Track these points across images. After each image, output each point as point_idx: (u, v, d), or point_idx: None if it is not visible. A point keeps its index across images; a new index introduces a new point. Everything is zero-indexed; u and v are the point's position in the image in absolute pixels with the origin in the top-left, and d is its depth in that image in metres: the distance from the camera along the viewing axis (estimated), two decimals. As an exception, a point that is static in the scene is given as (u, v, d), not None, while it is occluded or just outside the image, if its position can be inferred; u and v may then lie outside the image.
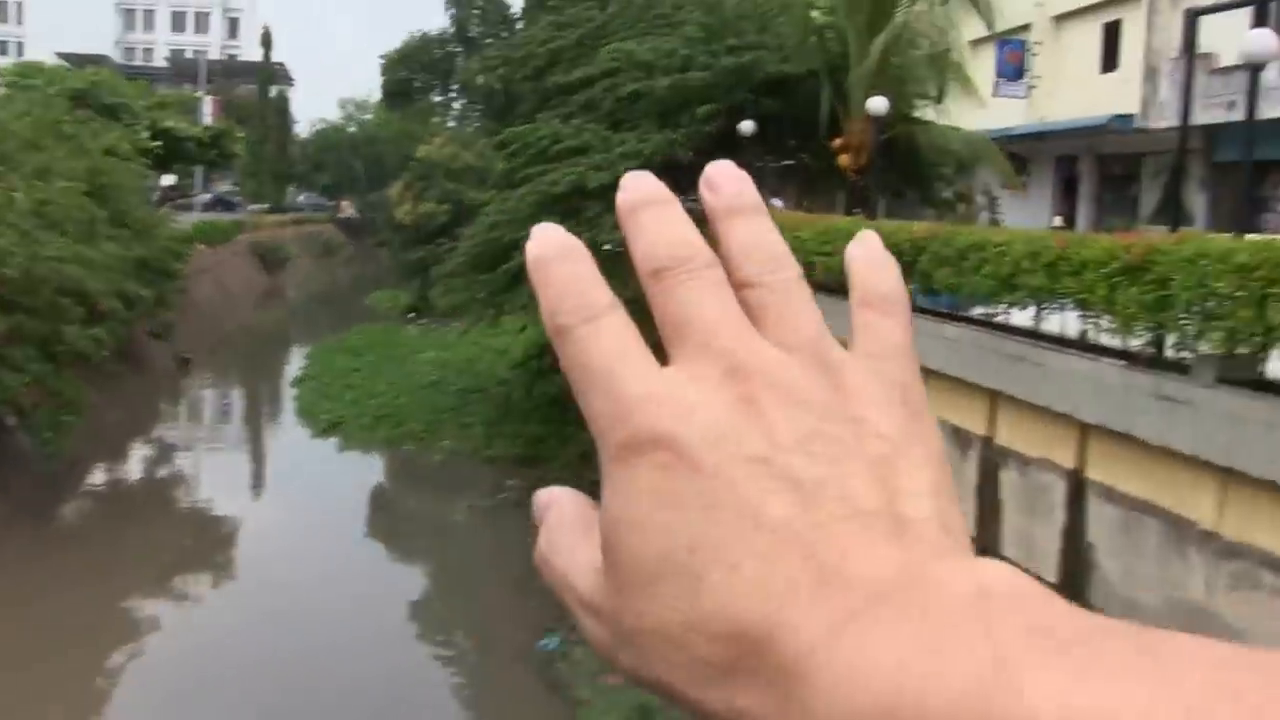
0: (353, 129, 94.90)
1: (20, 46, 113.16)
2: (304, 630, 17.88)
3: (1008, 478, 13.25)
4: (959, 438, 14.31)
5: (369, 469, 27.98)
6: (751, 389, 0.48)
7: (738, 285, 0.51)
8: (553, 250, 0.51)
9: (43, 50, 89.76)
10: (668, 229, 0.51)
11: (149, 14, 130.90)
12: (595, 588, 0.49)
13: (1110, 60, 33.80)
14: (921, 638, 0.39)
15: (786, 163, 28.29)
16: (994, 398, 13.53)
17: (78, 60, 75.60)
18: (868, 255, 0.55)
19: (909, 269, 14.83)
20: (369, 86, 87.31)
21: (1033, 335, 12.63)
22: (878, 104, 20.00)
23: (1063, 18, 35.79)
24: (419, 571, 22.12)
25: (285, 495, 26.15)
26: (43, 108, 36.00)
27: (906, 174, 25.72)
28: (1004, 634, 0.38)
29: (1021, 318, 13.19)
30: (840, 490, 0.46)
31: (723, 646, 0.45)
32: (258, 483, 28.19)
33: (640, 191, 0.52)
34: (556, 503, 0.53)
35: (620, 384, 0.48)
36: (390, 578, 21.35)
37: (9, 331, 20.02)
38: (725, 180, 0.53)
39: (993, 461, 13.53)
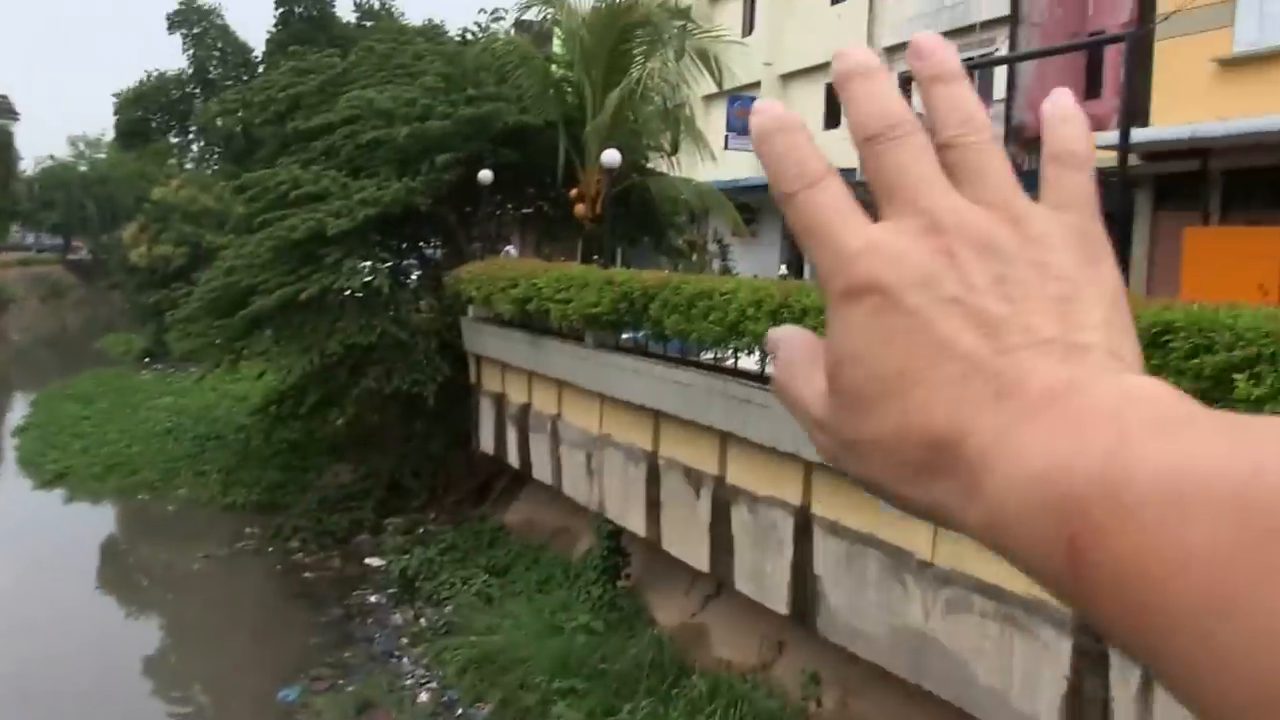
0: (84, 168, 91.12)
1: None
2: (27, 692, 16.85)
3: (739, 515, 13.53)
4: (691, 478, 14.58)
5: (100, 520, 26.79)
6: (949, 241, 0.56)
7: (939, 146, 0.58)
8: (772, 124, 0.58)
9: None
10: (877, 99, 0.58)
11: None
12: (823, 408, 0.58)
13: (834, 118, 35.20)
14: (1071, 428, 0.48)
15: (526, 211, 28.41)
16: (724, 439, 13.82)
17: None
18: (1059, 113, 0.62)
19: (641, 315, 15.07)
20: (102, 125, 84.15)
21: (759, 379, 12.94)
22: (611, 156, 20.30)
23: (790, 76, 37.23)
24: (154, 624, 21.25)
25: (6, 551, 24.13)
26: None
27: (641, 223, 26.14)
28: (1132, 421, 0.47)
29: (749, 362, 13.50)
30: (1023, 324, 0.54)
31: (923, 451, 0.54)
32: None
33: (850, 61, 0.60)
34: (787, 340, 0.62)
35: (839, 240, 0.56)
36: (124, 631, 20.46)
37: None
38: (931, 49, 0.60)
39: (724, 500, 13.82)
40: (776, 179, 0.58)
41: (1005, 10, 27.83)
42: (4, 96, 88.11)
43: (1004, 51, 27.50)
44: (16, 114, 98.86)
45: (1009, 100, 27.14)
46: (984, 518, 0.51)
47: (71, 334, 65.19)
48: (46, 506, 27.19)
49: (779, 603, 12.80)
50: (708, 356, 14.51)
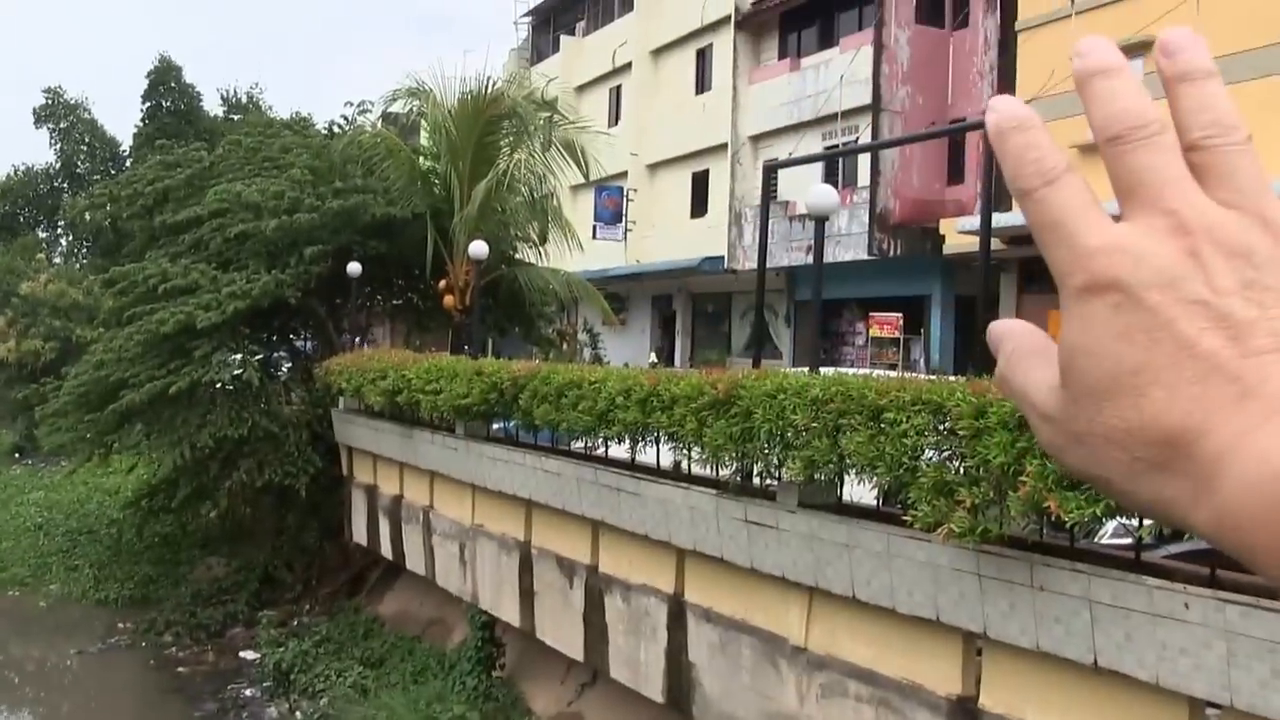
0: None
1: None
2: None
3: (612, 603, 13.11)
4: (564, 566, 14.14)
5: (-34, 617, 25.56)
6: (1194, 242, 0.55)
7: (1186, 148, 0.57)
8: (1009, 121, 0.59)
9: None
10: (1122, 97, 0.57)
11: None
12: (1051, 401, 0.58)
13: (700, 206, 35.40)
14: None
15: (396, 302, 27.96)
16: (596, 527, 13.43)
17: None
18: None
19: (511, 405, 14.69)
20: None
21: (630, 467, 12.61)
22: (478, 248, 19.96)
23: (656, 166, 37.34)
24: (27, 722, 20.27)
25: None
26: None
27: (510, 313, 25.84)
28: None
29: (619, 450, 13.18)
30: (1269, 329, 0.53)
31: (1156, 449, 0.53)
32: None
33: (1092, 59, 0.59)
34: (1012, 334, 0.63)
35: (1079, 236, 0.56)
36: (-6, 731, 19.52)
37: None
38: (1179, 46, 0.58)
39: (598, 588, 13.39)
40: (1014, 176, 0.58)
41: (866, 99, 28.18)
42: None
43: (867, 139, 27.79)
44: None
45: (873, 186, 27.47)
46: (1214, 517, 0.51)
47: (-62, 430, 62.64)
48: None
49: (654, 690, 12.37)
50: (578, 445, 14.15)
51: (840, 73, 29.52)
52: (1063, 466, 0.59)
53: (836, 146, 29.19)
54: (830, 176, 28.15)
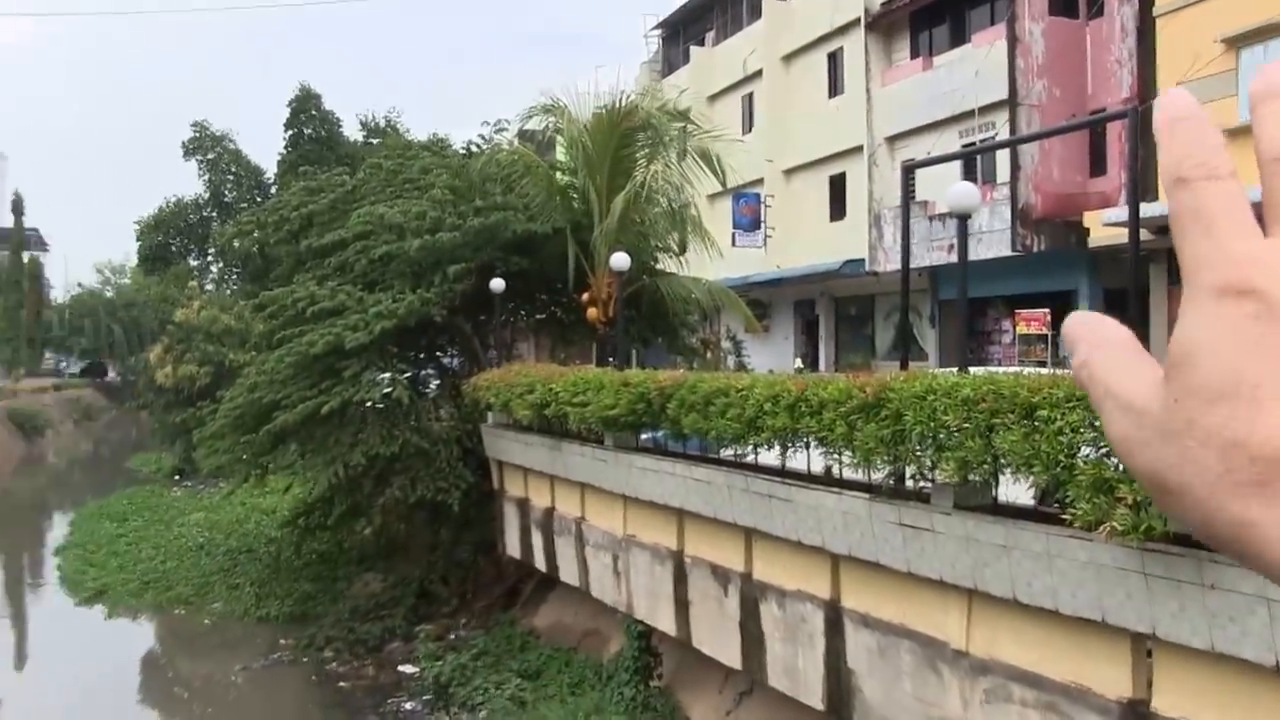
0: (110, 293, 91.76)
1: None
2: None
3: (768, 610, 13.15)
4: (718, 575, 14.21)
5: (138, 635, 26.59)
6: None
7: None
8: (1181, 111, 0.59)
9: None
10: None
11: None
12: (1143, 391, 0.58)
13: (839, 209, 35.20)
14: None
15: (539, 316, 28.30)
16: (749, 534, 13.47)
17: None
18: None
19: (659, 415, 14.80)
20: (125, 251, 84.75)
21: (780, 473, 12.63)
22: (619, 260, 20.11)
23: (792, 171, 37.24)
24: (194, 740, 20.96)
25: (50, 667, 24.46)
26: None
27: (653, 324, 25.99)
28: None
29: (769, 457, 13.20)
30: None
31: (1261, 466, 0.52)
32: (20, 655, 26.33)
33: (1262, 84, 0.59)
34: (1093, 324, 0.62)
35: (1226, 237, 0.56)
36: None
37: None
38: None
39: (752, 596, 13.44)
40: (1176, 164, 0.57)
41: (1002, 95, 27.78)
42: (35, 229, 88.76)
43: (1004, 135, 27.40)
44: (47, 246, 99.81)
45: (1013, 182, 27.06)
46: None
47: (104, 455, 65.15)
48: (88, 623, 26.92)
49: (814, 698, 12.37)
50: (728, 453, 14.21)
51: (974, 69, 29.17)
52: (1131, 464, 0.58)
53: (974, 144, 28.81)
54: (969, 174, 27.83)
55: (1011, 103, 27.15)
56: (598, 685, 17.73)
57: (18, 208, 79.28)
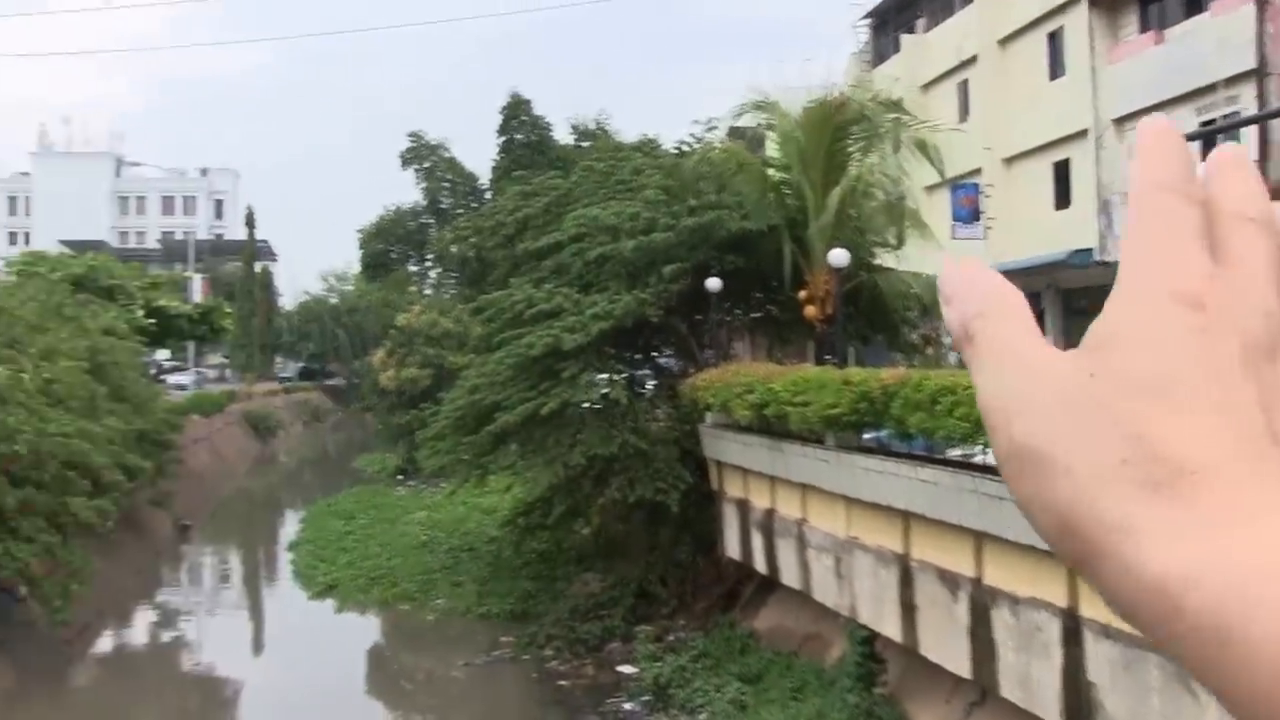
0: (334, 300, 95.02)
1: (27, 236, 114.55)
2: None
3: (1000, 617, 12.64)
4: (946, 579, 13.74)
5: (365, 629, 27.36)
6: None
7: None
8: (1157, 133, 0.58)
9: (46, 239, 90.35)
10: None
11: (141, 200, 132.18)
12: (1049, 356, 0.56)
13: (1063, 197, 33.84)
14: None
15: (755, 315, 28.05)
16: (979, 538, 12.98)
17: (78, 246, 76.09)
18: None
19: (882, 414, 14.42)
20: (348, 259, 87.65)
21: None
22: (838, 256, 19.74)
23: (1012, 159, 35.92)
24: (419, 732, 21.47)
25: (284, 656, 25.58)
26: (47, 293, 36.29)
27: (872, 321, 25.48)
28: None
29: (1000, 458, 12.68)
30: None
31: (1162, 468, 0.52)
32: (258, 645, 27.59)
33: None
34: (986, 276, 0.60)
35: (1196, 253, 0.55)
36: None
37: (19, 504, 19.90)
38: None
39: (983, 602, 12.94)
40: (1154, 180, 0.57)
41: (1247, 65, 26.13)
42: (265, 241, 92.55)
43: (1251, 110, 25.83)
44: (275, 256, 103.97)
45: (1262, 160, 25.35)
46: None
47: (331, 454, 67.56)
48: (318, 616, 27.85)
49: (1051, 711, 11.82)
50: (955, 453, 13.73)
51: (1215, 39, 27.56)
52: (1009, 431, 0.52)
53: (1214, 121, 27.26)
54: (1210, 152, 26.30)
55: (1260, 73, 25.56)
56: (820, 690, 17.38)
57: (249, 221, 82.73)
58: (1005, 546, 12.32)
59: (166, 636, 27.55)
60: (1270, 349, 0.53)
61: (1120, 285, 0.56)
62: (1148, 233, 0.56)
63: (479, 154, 56.85)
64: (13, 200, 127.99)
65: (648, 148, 32.17)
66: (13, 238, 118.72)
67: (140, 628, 27.77)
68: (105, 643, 25.64)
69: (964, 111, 38.30)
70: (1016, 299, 0.58)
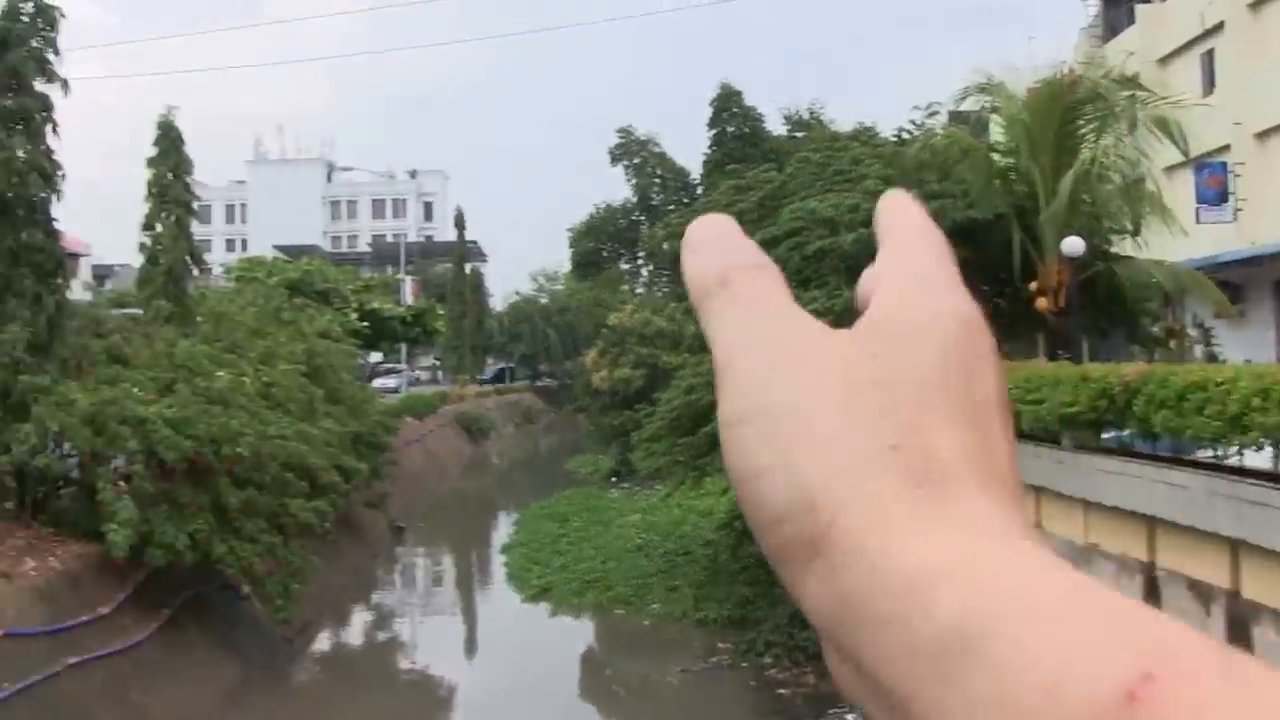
0: (544, 299, 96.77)
1: (244, 242, 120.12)
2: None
3: (1262, 635, 12.01)
4: (1198, 592, 13.14)
5: (578, 633, 27.65)
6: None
7: None
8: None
9: (262, 244, 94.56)
10: None
11: (352, 204, 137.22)
12: (813, 325, 0.58)
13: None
14: None
15: (982, 308, 27.35)
16: (1235, 546, 12.36)
17: (292, 251, 79.32)
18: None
19: (1124, 413, 13.90)
20: (558, 258, 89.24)
21: (1273, 478, 11.50)
22: (1072, 245, 19.11)
23: (1265, 134, 34.06)
24: (635, 738, 21.62)
25: (498, 659, 26.12)
26: (265, 298, 37.93)
27: (1109, 312, 24.60)
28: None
29: (1258, 459, 12.07)
30: None
31: (934, 471, 0.52)
32: (471, 647, 28.19)
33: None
34: (735, 233, 0.60)
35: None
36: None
37: (241, 505, 20.62)
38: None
39: (1241, 617, 12.32)
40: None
41: None
42: (474, 242, 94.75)
43: None
44: (485, 257, 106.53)
45: None
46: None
47: (543, 456, 68.69)
48: (533, 619, 28.24)
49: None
50: (1206, 455, 13.13)
51: None
52: (754, 401, 0.52)
53: None
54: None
55: None
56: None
57: (459, 222, 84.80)
58: (1268, 557, 11.71)
59: (382, 637, 28.42)
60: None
61: (902, 279, 0.56)
62: (928, 244, 0.57)
63: (690, 148, 57.01)
64: (230, 208, 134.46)
65: (865, 136, 31.78)
66: (230, 244, 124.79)
67: (357, 627, 28.73)
68: (323, 641, 26.61)
69: (1209, 84, 36.58)
70: (776, 269, 0.58)
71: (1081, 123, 23.58)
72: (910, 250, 0.59)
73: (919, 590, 0.45)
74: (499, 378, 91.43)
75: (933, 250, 0.59)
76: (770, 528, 0.50)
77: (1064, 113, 23.11)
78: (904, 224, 0.60)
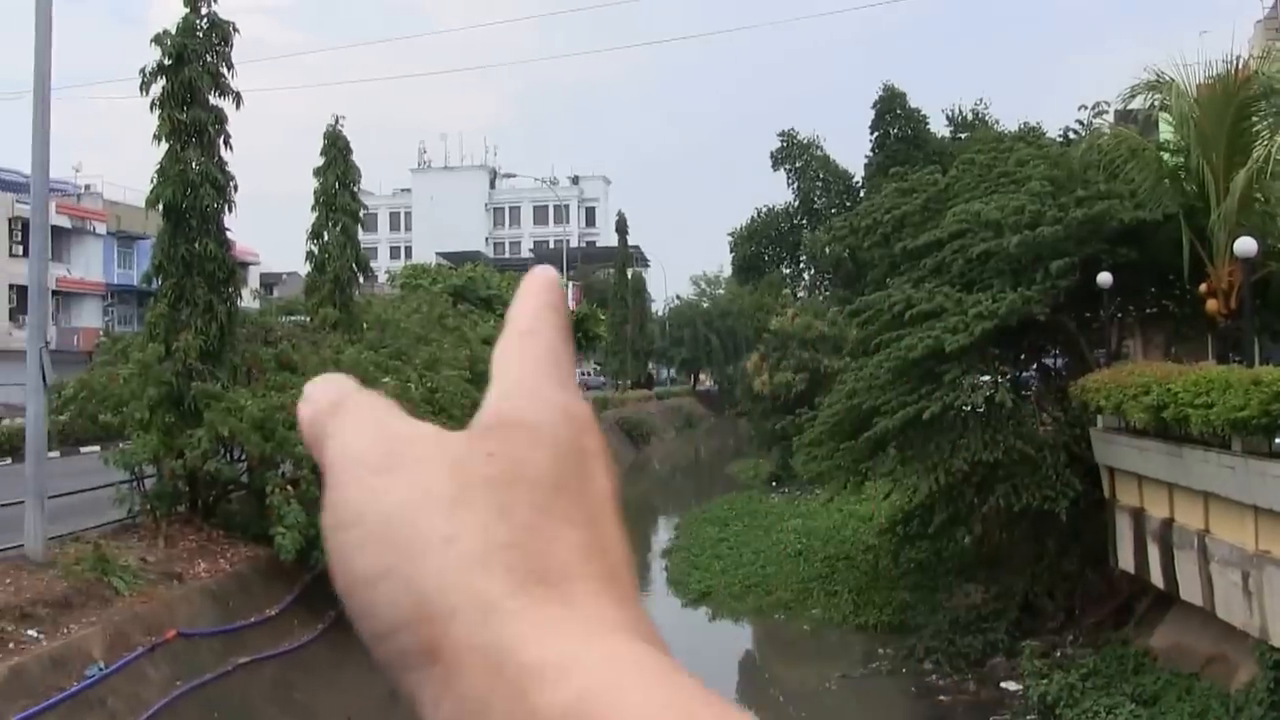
0: (705, 304, 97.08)
1: (408, 249, 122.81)
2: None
3: None
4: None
5: (738, 638, 27.95)
6: None
7: None
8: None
9: (426, 251, 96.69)
10: None
11: (514, 210, 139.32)
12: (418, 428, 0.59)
13: None
14: None
15: (1149, 311, 26.93)
16: None
17: (455, 257, 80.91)
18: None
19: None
20: (719, 262, 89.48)
21: None
22: (1245, 245, 18.70)
23: None
24: (794, 745, 21.66)
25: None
26: (429, 304, 38.70)
27: (1283, 314, 24.03)
28: None
29: None
30: None
31: (532, 573, 0.52)
32: (628, 653, 28.36)
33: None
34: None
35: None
36: (768, 751, 21.00)
37: None
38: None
39: None
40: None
41: None
42: (636, 247, 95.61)
43: None
44: (647, 262, 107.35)
45: None
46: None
47: (703, 461, 69.07)
48: (693, 623, 28.48)
49: None
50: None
51: None
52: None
53: None
54: None
55: None
56: (1224, 717, 16.56)
57: (621, 227, 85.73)
58: None
59: (543, 640, 28.93)
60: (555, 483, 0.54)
61: (515, 380, 0.59)
62: (539, 343, 0.60)
63: (852, 151, 56.92)
64: (394, 216, 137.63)
65: (1031, 137, 31.45)
66: (394, 251, 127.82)
67: (516, 634, 29.27)
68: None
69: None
70: (368, 397, 0.60)
71: (1255, 119, 23.04)
72: (524, 345, 0.60)
73: (532, 690, 0.45)
74: (639, 385, 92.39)
75: (547, 344, 0.60)
76: (386, 637, 0.50)
77: (1237, 110, 22.59)
78: (524, 312, 0.62)
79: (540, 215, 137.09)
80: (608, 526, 0.54)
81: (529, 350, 0.59)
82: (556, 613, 0.48)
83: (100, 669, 14.20)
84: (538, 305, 0.62)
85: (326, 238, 30.09)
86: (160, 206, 21.29)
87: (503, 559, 0.49)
